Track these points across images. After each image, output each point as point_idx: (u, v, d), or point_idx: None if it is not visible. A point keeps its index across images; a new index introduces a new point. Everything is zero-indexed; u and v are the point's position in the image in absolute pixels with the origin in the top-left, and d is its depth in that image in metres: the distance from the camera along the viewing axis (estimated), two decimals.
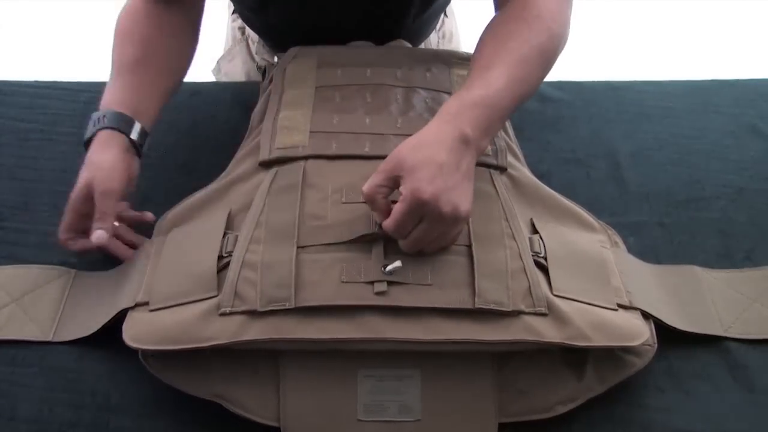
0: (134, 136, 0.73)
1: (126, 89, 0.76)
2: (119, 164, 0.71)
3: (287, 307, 0.58)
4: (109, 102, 0.75)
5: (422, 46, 1.01)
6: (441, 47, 1.04)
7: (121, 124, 0.73)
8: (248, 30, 1.03)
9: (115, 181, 0.70)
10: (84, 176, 0.70)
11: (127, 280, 0.67)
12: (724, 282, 0.72)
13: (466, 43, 1.11)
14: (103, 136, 0.72)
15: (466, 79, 0.69)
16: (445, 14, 1.04)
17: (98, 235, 0.69)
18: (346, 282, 0.60)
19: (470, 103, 0.64)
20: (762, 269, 0.74)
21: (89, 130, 0.73)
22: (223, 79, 1.10)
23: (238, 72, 1.07)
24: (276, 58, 0.90)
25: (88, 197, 0.69)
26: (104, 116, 0.73)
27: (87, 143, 0.73)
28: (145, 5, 0.81)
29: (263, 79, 0.86)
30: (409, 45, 0.87)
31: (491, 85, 0.65)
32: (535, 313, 0.60)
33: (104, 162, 0.70)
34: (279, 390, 0.60)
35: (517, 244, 0.64)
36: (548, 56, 0.71)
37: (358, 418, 0.60)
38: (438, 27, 1.04)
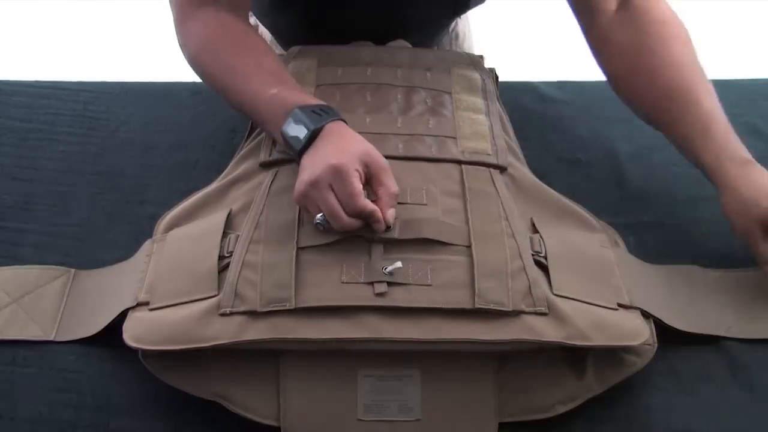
0: None
1: (302, 90, 0.71)
2: None
3: (287, 307, 0.59)
4: (302, 98, 0.68)
5: (435, 47, 1.01)
6: (453, 48, 1.04)
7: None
8: (261, 29, 1.03)
9: None
10: (361, 146, 0.63)
11: (127, 280, 0.67)
12: (725, 282, 0.72)
13: (479, 44, 1.11)
14: (341, 125, 0.66)
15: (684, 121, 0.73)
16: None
17: (393, 215, 0.63)
18: (346, 282, 0.60)
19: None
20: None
21: (314, 121, 0.64)
22: None
23: None
24: None
25: (364, 165, 0.62)
26: (324, 110, 0.66)
27: (313, 134, 0.64)
28: (222, 19, 0.74)
29: None
30: (409, 45, 0.87)
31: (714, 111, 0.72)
32: (535, 313, 0.60)
33: (368, 142, 0.65)
34: (279, 390, 0.60)
35: (517, 243, 0.64)
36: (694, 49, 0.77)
37: (358, 418, 0.60)
38: (451, 28, 1.04)
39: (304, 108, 0.65)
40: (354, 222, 0.61)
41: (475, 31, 1.11)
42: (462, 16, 1.05)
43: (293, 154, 0.66)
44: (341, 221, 0.60)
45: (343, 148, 0.62)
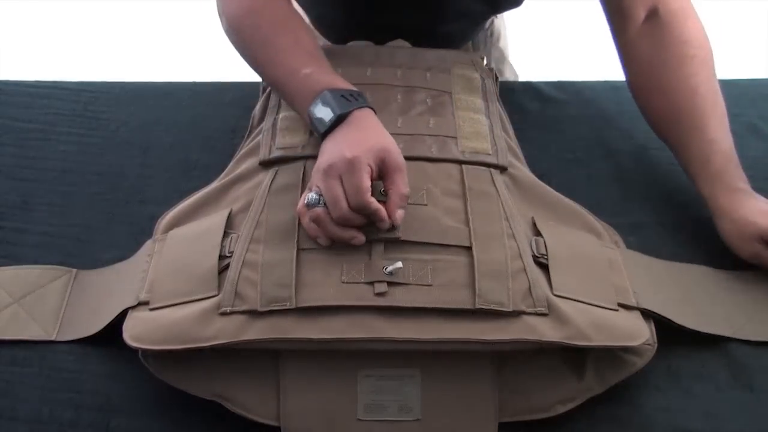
0: None
1: (336, 74, 0.70)
2: None
3: (288, 307, 0.58)
4: (335, 81, 0.68)
5: (469, 45, 1.01)
6: (488, 47, 1.05)
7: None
8: (300, 11, 1.02)
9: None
10: (381, 141, 0.63)
11: (129, 279, 0.67)
12: (736, 283, 0.72)
13: (513, 41, 1.11)
14: (368, 113, 0.66)
15: (686, 146, 0.76)
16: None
17: (401, 215, 0.62)
18: (347, 282, 0.60)
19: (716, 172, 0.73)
20: None
21: (342, 106, 0.64)
22: None
23: None
24: None
25: (380, 160, 0.62)
26: (354, 95, 0.66)
27: (339, 118, 0.64)
28: None
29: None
30: (409, 45, 0.87)
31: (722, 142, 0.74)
32: (536, 314, 0.60)
33: (390, 138, 0.65)
34: (279, 390, 0.60)
35: (517, 244, 0.64)
36: (714, 68, 0.78)
37: (358, 418, 0.60)
38: (487, 26, 1.03)
39: (335, 91, 0.66)
40: (353, 215, 0.61)
41: (520, 26, 1.10)
42: (498, 15, 1.05)
43: (317, 135, 0.66)
44: (341, 210, 0.60)
45: (362, 140, 0.63)
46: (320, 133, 0.65)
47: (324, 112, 0.65)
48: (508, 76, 1.10)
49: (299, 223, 0.64)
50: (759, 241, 0.70)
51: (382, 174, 0.63)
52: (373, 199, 0.60)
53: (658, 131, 0.82)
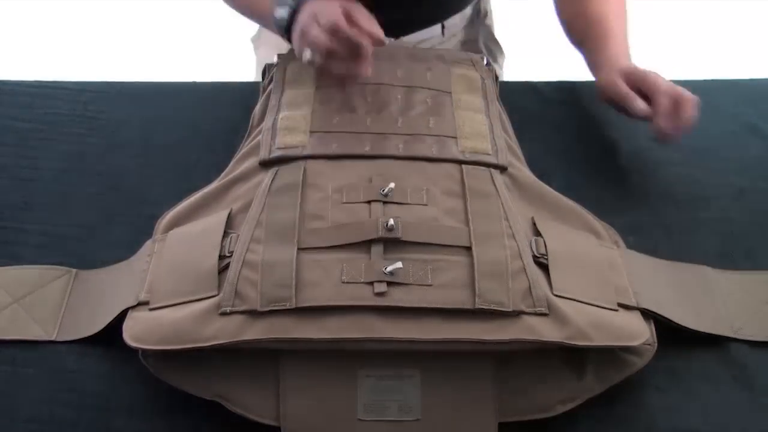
0: None
1: None
2: None
3: (288, 307, 0.58)
4: None
5: (456, 18, 1.03)
6: (476, 24, 1.05)
7: None
8: None
9: None
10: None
11: (129, 279, 0.67)
12: (737, 283, 0.72)
13: (513, 41, 1.16)
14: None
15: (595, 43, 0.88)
16: None
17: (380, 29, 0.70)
18: (347, 282, 0.60)
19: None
20: None
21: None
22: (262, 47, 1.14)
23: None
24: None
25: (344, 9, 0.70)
26: None
27: (294, 11, 0.73)
28: None
29: (263, 78, 0.86)
30: (409, 45, 0.88)
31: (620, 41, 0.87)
32: (536, 314, 0.60)
33: None
34: (279, 390, 0.60)
35: (517, 243, 0.64)
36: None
37: (358, 418, 0.60)
38: (474, 2, 1.04)
39: None
40: (323, 35, 0.67)
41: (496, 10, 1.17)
42: None
43: (285, 38, 0.73)
44: (311, 33, 0.67)
45: (323, 2, 0.69)
46: (285, 30, 0.71)
47: (281, 12, 0.72)
48: (497, 53, 1.12)
49: (299, 223, 0.64)
50: (620, 76, 0.81)
51: (349, 19, 0.68)
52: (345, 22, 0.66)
53: (577, 44, 0.93)
